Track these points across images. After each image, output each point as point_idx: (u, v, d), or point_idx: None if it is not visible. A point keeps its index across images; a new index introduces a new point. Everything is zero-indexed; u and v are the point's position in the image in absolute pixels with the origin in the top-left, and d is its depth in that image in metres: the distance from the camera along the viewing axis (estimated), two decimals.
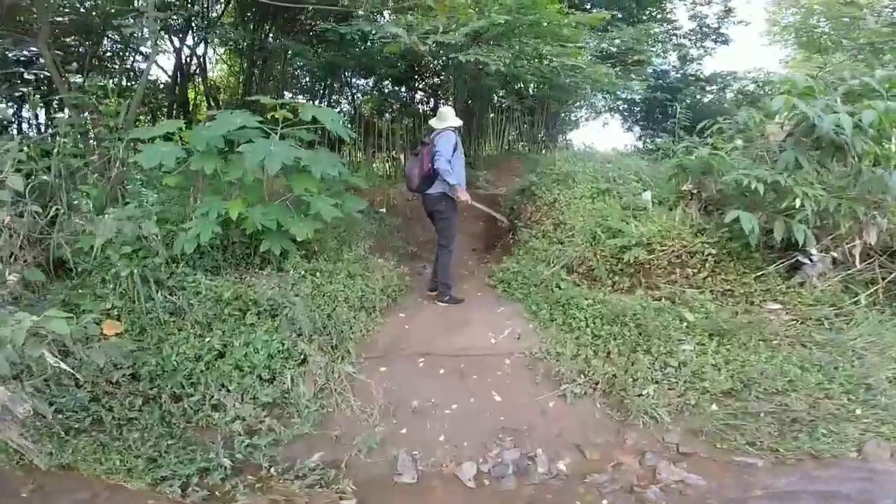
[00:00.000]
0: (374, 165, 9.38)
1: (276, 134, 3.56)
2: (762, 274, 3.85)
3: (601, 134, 16.64)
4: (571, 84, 6.99)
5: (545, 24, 5.38)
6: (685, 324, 3.48)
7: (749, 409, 2.94)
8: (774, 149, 3.97)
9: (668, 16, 11.57)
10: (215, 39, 9.55)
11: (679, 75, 12.64)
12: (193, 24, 7.89)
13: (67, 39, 6.51)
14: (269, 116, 3.58)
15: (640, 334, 3.41)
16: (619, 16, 7.77)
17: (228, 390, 3.19)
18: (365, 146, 9.37)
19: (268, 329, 3.38)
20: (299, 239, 3.44)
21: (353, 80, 11.29)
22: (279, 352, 3.31)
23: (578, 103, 13.81)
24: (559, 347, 3.49)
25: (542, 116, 11.32)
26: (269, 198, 3.75)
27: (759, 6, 13.70)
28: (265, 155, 3.13)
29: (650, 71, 11.94)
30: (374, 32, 6.23)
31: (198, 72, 9.09)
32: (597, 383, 3.19)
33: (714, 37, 12.18)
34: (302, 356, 3.38)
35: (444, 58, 6.17)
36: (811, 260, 3.80)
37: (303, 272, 3.70)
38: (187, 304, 3.37)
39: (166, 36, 8.30)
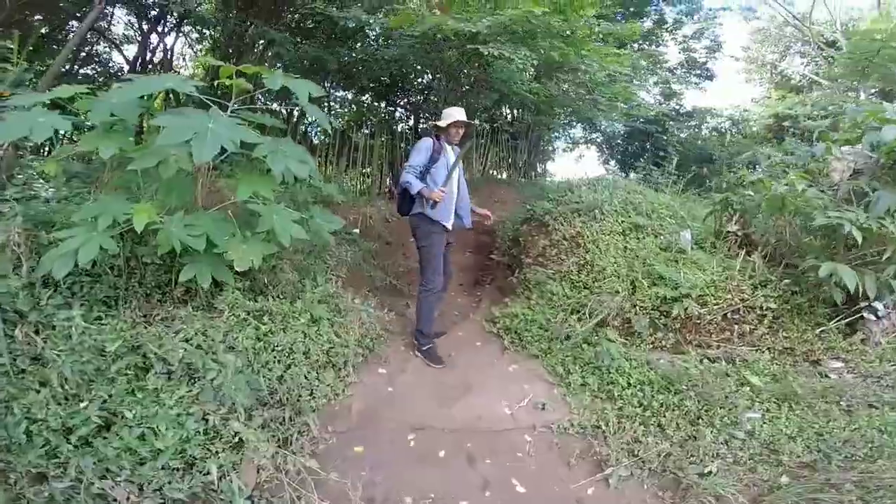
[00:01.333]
0: (347, 182, 8.35)
1: (227, 112, 2.37)
2: (822, 330, 3.16)
3: (577, 166, 16.08)
4: (589, 101, 6.20)
5: (569, 32, 4.55)
6: (748, 388, 2.78)
7: (831, 480, 2.34)
8: (845, 186, 3.20)
9: (660, 48, 11.18)
10: (193, 33, 8.30)
11: (656, 111, 12.36)
12: (169, 11, 6.64)
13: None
14: (216, 85, 2.40)
15: (701, 404, 2.68)
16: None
17: (116, 481, 1.97)
18: (338, 160, 8.34)
19: (181, 399, 2.16)
20: (239, 268, 2.25)
21: (333, 90, 10.44)
22: (200, 433, 2.12)
23: (557, 133, 13.30)
24: (597, 420, 2.67)
25: (525, 143, 10.63)
26: (204, 203, 2.55)
27: (735, 44, 13.84)
28: (194, 133, 1.93)
29: (634, 104, 11.58)
30: (370, 21, 5.25)
31: (162, 63, 7.78)
32: (644, 462, 2.47)
33: (699, 71, 11.96)
34: (236, 438, 2.20)
35: (458, 47, 5.22)
36: (877, 315, 3.18)
37: (244, 315, 2.50)
38: (52, 352, 2.11)
39: (135, 20, 7.03)
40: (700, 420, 2.62)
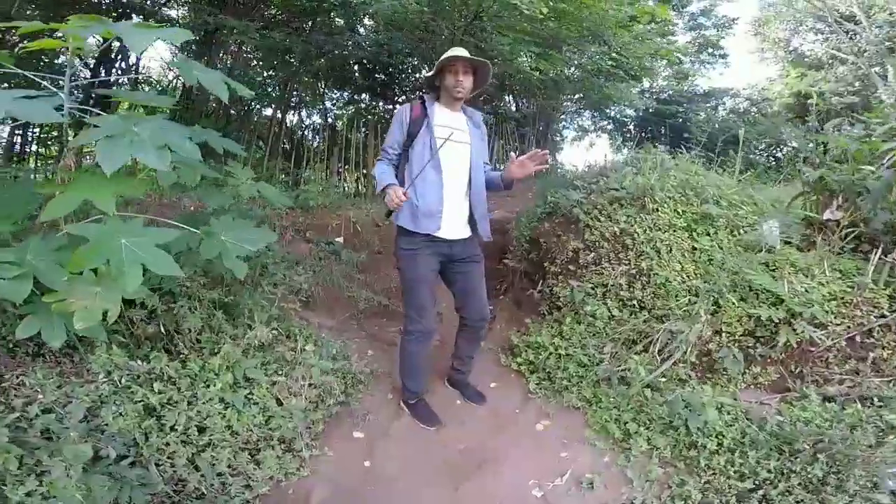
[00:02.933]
0: (343, 183, 7.51)
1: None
2: None
3: (588, 156, 14.96)
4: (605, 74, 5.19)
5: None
6: (893, 437, 1.77)
7: None
8: None
9: (668, 27, 10.13)
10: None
11: (671, 91, 11.23)
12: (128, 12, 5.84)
13: None
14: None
15: (829, 465, 1.71)
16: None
17: None
18: (328, 160, 7.55)
19: (29, 494, 1.32)
20: (80, 326, 1.29)
21: (328, 90, 9.73)
22: None
23: (565, 122, 12.27)
24: (671, 499, 1.73)
25: (532, 132, 9.65)
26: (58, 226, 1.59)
27: (746, 21, 12.58)
28: None
29: (647, 86, 10.45)
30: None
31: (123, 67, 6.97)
32: None
33: (711, 50, 10.82)
34: None
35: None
36: None
37: (122, 380, 1.56)
38: None
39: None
40: (825, 486, 1.69)
